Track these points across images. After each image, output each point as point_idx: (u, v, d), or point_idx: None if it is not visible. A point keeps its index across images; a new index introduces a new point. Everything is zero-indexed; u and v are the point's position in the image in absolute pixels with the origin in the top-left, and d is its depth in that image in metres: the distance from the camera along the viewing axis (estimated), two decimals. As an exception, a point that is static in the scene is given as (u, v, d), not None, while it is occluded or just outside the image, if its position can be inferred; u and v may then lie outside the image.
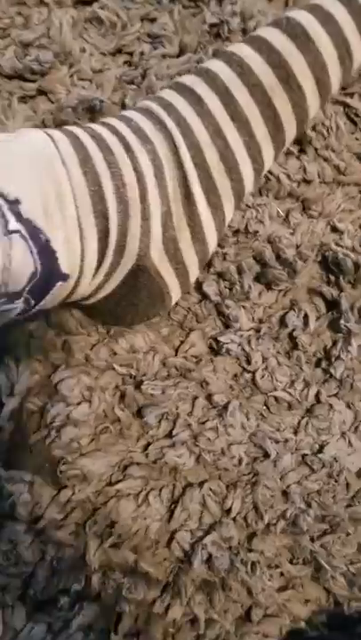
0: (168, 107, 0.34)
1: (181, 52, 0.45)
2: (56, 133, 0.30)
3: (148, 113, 0.34)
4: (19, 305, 0.28)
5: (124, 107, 0.43)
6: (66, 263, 0.29)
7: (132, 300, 0.36)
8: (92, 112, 0.42)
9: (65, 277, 0.30)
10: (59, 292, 0.31)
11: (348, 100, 0.45)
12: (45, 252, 0.28)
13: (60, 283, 0.30)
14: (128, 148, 0.32)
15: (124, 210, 0.31)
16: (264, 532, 0.39)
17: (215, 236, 0.37)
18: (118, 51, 0.45)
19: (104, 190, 0.30)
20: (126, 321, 0.39)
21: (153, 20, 0.45)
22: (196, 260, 0.37)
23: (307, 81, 0.35)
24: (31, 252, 0.27)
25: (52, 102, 0.42)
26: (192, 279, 0.38)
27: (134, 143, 0.32)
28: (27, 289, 0.28)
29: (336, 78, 0.37)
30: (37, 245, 0.27)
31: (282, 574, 0.39)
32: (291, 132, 0.37)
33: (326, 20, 0.35)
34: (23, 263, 0.27)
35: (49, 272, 0.29)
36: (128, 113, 0.34)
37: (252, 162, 0.35)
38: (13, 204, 0.26)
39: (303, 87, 0.35)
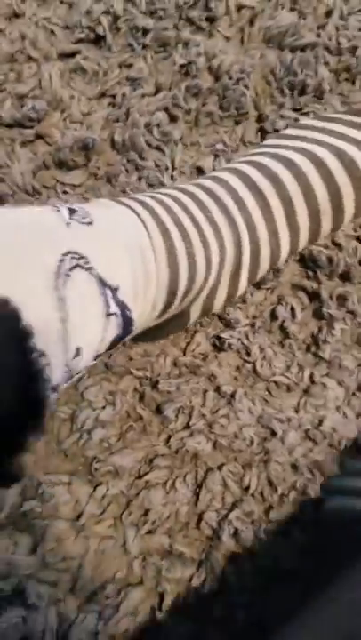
0: (239, 203, 0.38)
1: (158, 91, 0.48)
2: (149, 220, 0.33)
3: (223, 207, 0.37)
4: (98, 360, 0.33)
5: (113, 142, 0.46)
6: (137, 328, 0.34)
7: (161, 325, 0.40)
8: (87, 149, 0.45)
9: (132, 332, 0.34)
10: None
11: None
12: (127, 323, 0.32)
13: (128, 336, 0.34)
14: (204, 240, 0.36)
15: (189, 290, 0.36)
16: (279, 504, 0.43)
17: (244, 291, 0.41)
18: (102, 94, 0.48)
19: (179, 279, 0.34)
20: (150, 338, 0.43)
21: (130, 66, 0.48)
22: (222, 304, 0.41)
23: (349, 202, 0.39)
24: (119, 325, 0.32)
25: (50, 144, 0.45)
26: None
27: (209, 234, 0.36)
28: (107, 347, 0.32)
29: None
30: (124, 320, 0.32)
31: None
32: (326, 234, 0.41)
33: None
34: (112, 333, 0.31)
35: (124, 334, 0.33)
36: (207, 202, 0.37)
37: (291, 252, 0.40)
38: (115, 290, 0.30)
39: (345, 210, 0.40)
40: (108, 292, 0.30)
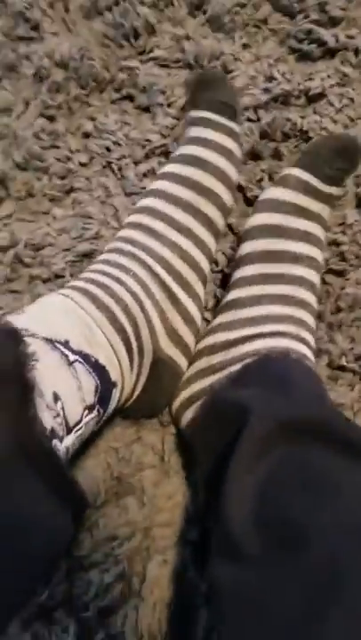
0: (132, 242, 0.42)
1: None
2: (67, 291, 0.38)
3: (120, 251, 0.42)
4: (95, 414, 0.35)
5: (17, 165, 0.53)
6: (112, 373, 0.37)
7: (158, 388, 0.43)
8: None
9: (115, 384, 0.37)
10: (115, 397, 0.38)
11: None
12: (98, 369, 0.36)
13: (114, 390, 0.38)
14: (119, 280, 0.39)
15: (133, 321, 0.39)
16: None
17: (199, 313, 0.44)
18: None
19: (115, 314, 0.38)
20: (159, 405, 0.45)
21: None
22: (192, 338, 0.44)
23: (216, 186, 0.43)
24: (89, 371, 0.35)
25: None
26: (192, 352, 0.45)
27: (121, 275, 0.40)
28: (96, 400, 0.35)
29: (233, 172, 0.44)
30: (91, 365, 0.35)
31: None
32: (220, 221, 0.44)
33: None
34: (87, 380, 0.34)
35: (105, 383, 0.36)
36: (106, 256, 0.42)
37: (203, 253, 0.43)
38: (66, 344, 0.34)
39: (216, 190, 0.43)
40: (59, 345, 0.34)
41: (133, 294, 0.40)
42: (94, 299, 0.38)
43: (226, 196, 0.44)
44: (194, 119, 0.45)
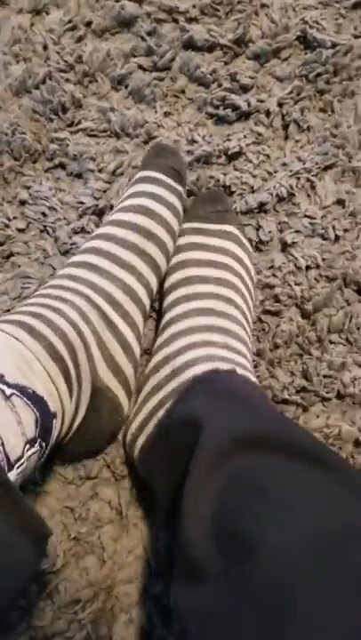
0: (74, 278, 0.44)
1: None
2: (3, 325, 0.38)
3: (60, 286, 0.44)
4: (37, 449, 0.35)
5: None
6: (51, 403, 0.37)
7: (97, 420, 0.44)
8: None
9: (55, 415, 0.38)
10: (56, 428, 0.38)
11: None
12: (37, 400, 0.36)
13: (54, 420, 0.38)
14: (56, 310, 0.41)
15: (71, 348, 0.40)
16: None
17: (137, 343, 0.46)
18: None
19: (52, 342, 0.38)
20: (96, 444, 0.46)
21: None
22: (131, 371, 0.46)
23: (163, 234, 0.48)
24: (27, 404, 0.35)
25: None
26: (132, 386, 0.47)
27: (58, 304, 0.41)
28: (37, 433, 0.35)
29: (177, 227, 0.50)
30: (29, 397, 0.35)
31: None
32: (163, 264, 0.49)
33: None
34: (27, 414, 0.34)
35: (45, 415, 0.36)
36: (44, 290, 0.44)
37: (145, 288, 0.47)
38: (1, 378, 0.34)
39: (162, 238, 0.48)
40: None
41: (71, 322, 0.41)
42: (30, 329, 0.38)
43: (170, 244, 0.49)
44: (145, 177, 0.50)
